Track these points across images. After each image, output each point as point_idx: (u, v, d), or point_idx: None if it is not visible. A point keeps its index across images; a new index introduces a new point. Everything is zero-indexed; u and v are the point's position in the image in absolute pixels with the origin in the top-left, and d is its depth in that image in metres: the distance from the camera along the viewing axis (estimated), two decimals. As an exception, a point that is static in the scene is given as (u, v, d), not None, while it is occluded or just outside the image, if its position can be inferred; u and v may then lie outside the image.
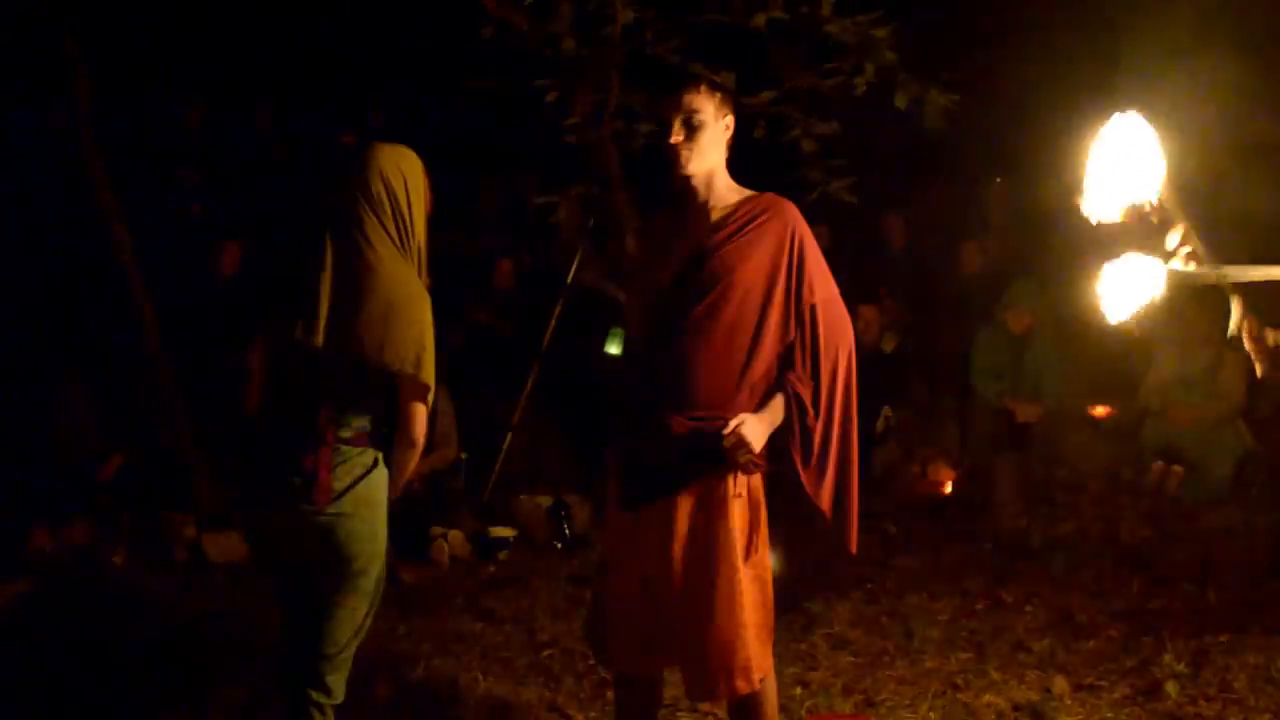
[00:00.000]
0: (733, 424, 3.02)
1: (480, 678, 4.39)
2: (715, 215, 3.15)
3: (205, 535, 5.99)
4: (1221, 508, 6.29)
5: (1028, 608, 5.15)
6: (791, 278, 3.11)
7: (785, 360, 3.12)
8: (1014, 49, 8.44)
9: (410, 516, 6.12)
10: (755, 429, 3.04)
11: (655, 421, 3.11)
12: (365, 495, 2.92)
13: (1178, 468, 6.61)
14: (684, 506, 3.09)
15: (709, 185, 3.15)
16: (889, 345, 7.55)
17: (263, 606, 5.24)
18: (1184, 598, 5.17)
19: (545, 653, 4.66)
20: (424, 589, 5.58)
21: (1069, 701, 4.18)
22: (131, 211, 6.45)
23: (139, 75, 9.34)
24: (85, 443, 6.48)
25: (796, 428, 3.10)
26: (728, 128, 3.16)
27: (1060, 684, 4.30)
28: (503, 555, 6.22)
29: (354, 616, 2.99)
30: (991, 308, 7.24)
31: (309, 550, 2.93)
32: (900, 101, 5.91)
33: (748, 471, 3.09)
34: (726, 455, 3.03)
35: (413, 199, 2.98)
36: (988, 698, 4.22)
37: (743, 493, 3.09)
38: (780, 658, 4.57)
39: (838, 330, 3.16)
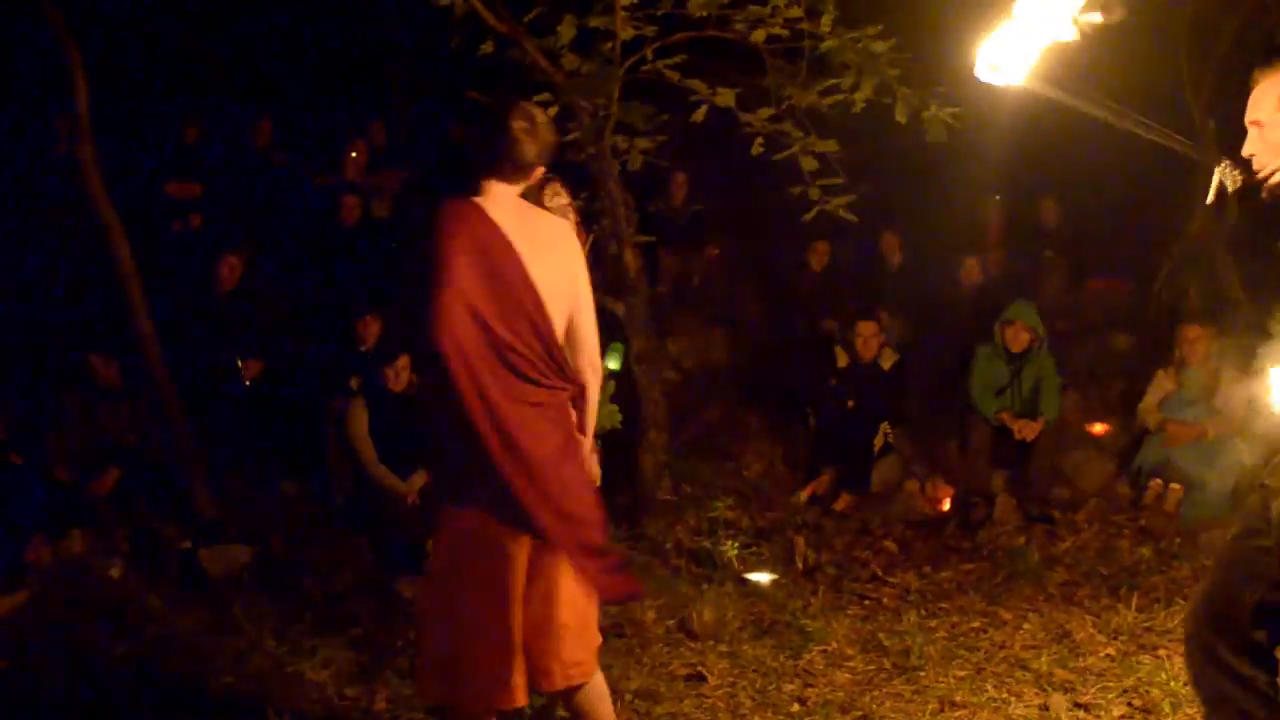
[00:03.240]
0: None
1: (477, 693, 4.36)
2: None
3: (202, 549, 5.97)
4: (1220, 526, 6.28)
5: (1025, 625, 5.14)
6: None
7: None
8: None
9: (406, 531, 6.11)
10: None
11: None
12: None
13: (1176, 486, 6.60)
14: None
15: None
16: (887, 362, 7.55)
17: (257, 620, 5.29)
18: (1182, 616, 5.16)
19: (542, 668, 4.63)
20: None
21: (1066, 719, 4.17)
22: (131, 224, 6.45)
23: (140, 88, 9.38)
24: (83, 455, 6.48)
25: None
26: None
27: (1058, 701, 4.29)
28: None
29: None
30: (990, 325, 7.25)
31: None
32: (900, 116, 5.91)
33: None
34: None
35: None
36: (985, 715, 4.22)
37: None
38: (778, 675, 4.57)
39: None
